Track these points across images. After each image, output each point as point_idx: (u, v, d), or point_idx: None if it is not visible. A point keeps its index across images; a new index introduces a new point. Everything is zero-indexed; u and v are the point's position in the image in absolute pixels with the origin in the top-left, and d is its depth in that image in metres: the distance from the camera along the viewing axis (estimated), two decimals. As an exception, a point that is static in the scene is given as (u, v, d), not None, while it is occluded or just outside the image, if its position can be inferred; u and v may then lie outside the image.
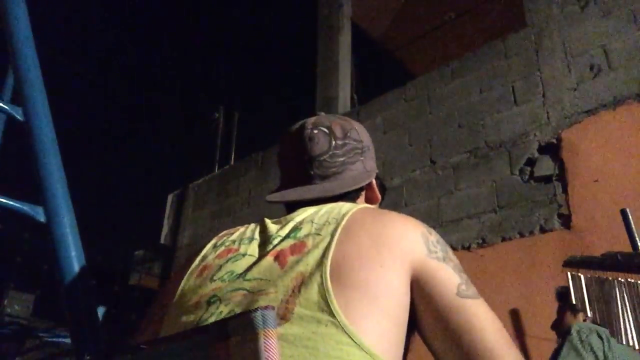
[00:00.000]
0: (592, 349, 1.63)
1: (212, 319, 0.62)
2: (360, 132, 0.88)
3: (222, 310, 0.63)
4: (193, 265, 0.75)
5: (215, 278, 0.69)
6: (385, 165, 3.88)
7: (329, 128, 0.84)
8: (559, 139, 3.04)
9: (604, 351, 1.63)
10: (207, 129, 6.77)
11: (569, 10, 3.30)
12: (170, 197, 6.36)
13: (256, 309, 0.44)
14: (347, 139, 0.85)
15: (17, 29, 1.32)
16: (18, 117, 1.25)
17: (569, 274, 2.02)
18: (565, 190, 2.91)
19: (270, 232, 0.73)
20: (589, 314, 1.95)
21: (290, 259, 0.65)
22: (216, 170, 6.00)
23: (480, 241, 3.16)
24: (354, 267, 0.61)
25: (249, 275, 0.66)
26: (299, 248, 0.66)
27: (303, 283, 0.60)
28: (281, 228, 0.73)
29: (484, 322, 0.61)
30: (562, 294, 2.16)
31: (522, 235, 3.00)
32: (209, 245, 0.79)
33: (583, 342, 1.66)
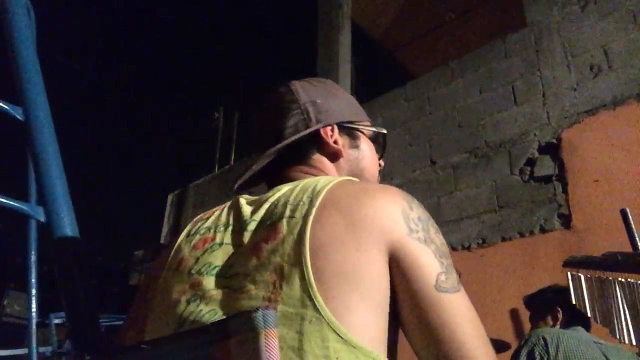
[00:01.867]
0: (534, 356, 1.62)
1: (192, 317, 0.61)
2: (297, 91, 0.83)
3: (202, 309, 0.61)
4: (169, 259, 0.73)
5: (193, 272, 0.66)
6: (385, 165, 3.88)
7: (267, 102, 0.85)
8: (559, 139, 3.04)
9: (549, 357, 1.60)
10: (207, 129, 6.77)
11: (569, 10, 3.30)
12: (170, 197, 6.36)
13: (257, 309, 0.44)
14: (282, 104, 0.82)
15: (17, 29, 1.32)
16: (18, 117, 1.25)
17: (569, 274, 2.01)
18: (565, 190, 2.92)
19: (245, 215, 0.69)
20: (589, 313, 1.95)
21: (266, 247, 0.61)
22: (216, 170, 6.00)
23: (480, 241, 3.16)
24: (330, 253, 0.58)
25: (228, 271, 0.63)
26: (273, 235, 0.62)
27: (283, 277, 0.57)
28: (255, 211, 0.69)
29: (458, 318, 0.58)
30: (528, 303, 2.15)
31: (522, 235, 3.00)
32: (183, 235, 0.75)
33: (527, 351, 1.66)
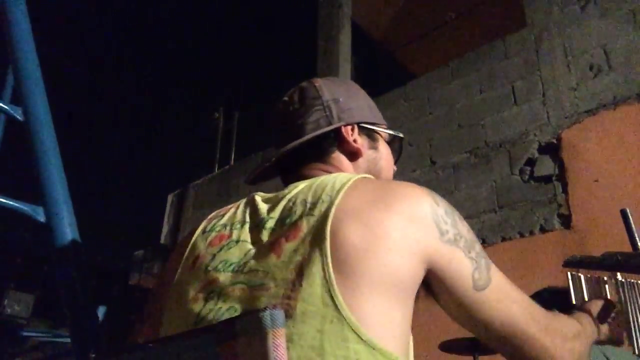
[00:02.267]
0: None
1: (211, 315, 0.61)
2: (320, 88, 0.84)
3: (220, 307, 0.61)
4: (185, 256, 0.72)
5: (209, 269, 0.66)
6: (385, 165, 3.88)
7: (289, 96, 0.85)
8: (559, 139, 3.04)
9: None
10: (207, 129, 6.77)
11: (569, 10, 3.30)
12: (170, 197, 6.36)
13: (265, 308, 0.44)
14: (305, 100, 0.83)
15: (17, 30, 1.32)
16: (18, 117, 1.25)
17: (569, 274, 2.01)
18: (565, 190, 2.91)
19: (262, 213, 0.69)
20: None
21: (286, 246, 0.61)
22: (216, 170, 6.00)
23: (480, 241, 3.16)
24: (359, 255, 0.57)
25: (246, 267, 0.63)
26: (293, 233, 0.62)
27: (304, 275, 0.57)
28: (272, 208, 0.69)
29: (508, 308, 0.63)
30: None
31: (522, 235, 3.00)
32: (199, 231, 0.75)
33: None
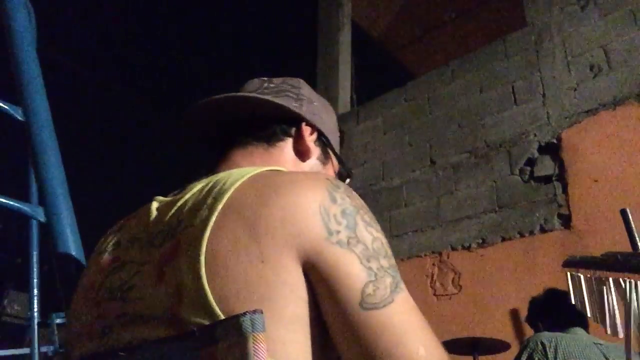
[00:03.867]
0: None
1: (103, 350, 0.55)
2: (302, 84, 0.80)
3: (106, 342, 0.55)
4: (80, 284, 0.66)
5: (98, 299, 0.59)
6: (385, 165, 3.88)
7: (269, 78, 0.81)
8: (559, 139, 3.04)
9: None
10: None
11: (569, 10, 3.30)
12: (170, 197, 6.36)
13: (244, 313, 0.44)
14: (283, 84, 0.79)
15: (17, 30, 1.32)
16: (18, 117, 1.25)
17: (568, 274, 2.01)
18: (565, 190, 2.92)
19: (152, 226, 0.60)
20: (589, 314, 1.94)
21: (167, 268, 0.52)
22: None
23: (480, 241, 3.16)
24: (231, 267, 0.48)
25: (129, 294, 0.55)
26: (173, 248, 0.53)
27: (181, 302, 0.49)
28: (162, 220, 0.59)
29: (393, 340, 0.49)
30: (528, 308, 2.15)
31: (522, 235, 3.00)
32: (95, 254, 0.68)
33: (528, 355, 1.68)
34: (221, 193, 0.54)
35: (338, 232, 0.51)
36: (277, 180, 0.56)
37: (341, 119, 4.51)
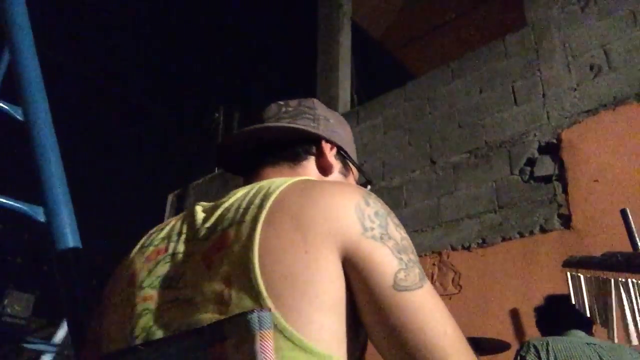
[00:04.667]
0: None
1: (143, 335, 0.59)
2: (317, 104, 0.87)
3: (151, 325, 0.59)
4: (122, 274, 0.71)
5: (144, 285, 0.64)
6: (385, 165, 3.88)
7: (285, 101, 0.87)
8: (559, 139, 3.04)
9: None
10: (207, 129, 6.77)
11: (569, 10, 3.30)
12: (170, 197, 6.36)
13: (252, 310, 0.44)
14: (299, 107, 0.85)
15: (17, 30, 1.32)
16: (18, 117, 1.25)
17: (568, 274, 2.01)
18: (565, 190, 2.91)
19: (198, 223, 0.67)
20: (589, 314, 1.94)
21: (216, 257, 0.59)
22: (216, 170, 6.00)
23: (480, 241, 3.16)
24: (279, 256, 0.55)
25: (179, 282, 0.61)
26: (223, 241, 0.59)
27: (231, 286, 0.54)
28: (208, 218, 0.66)
29: (422, 316, 0.55)
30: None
31: (522, 235, 3.00)
32: (137, 247, 0.73)
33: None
34: (268, 195, 0.61)
35: (372, 228, 0.59)
36: (317, 185, 0.65)
37: (341, 119, 4.51)
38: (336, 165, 0.83)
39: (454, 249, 3.24)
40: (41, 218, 1.15)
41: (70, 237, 1.15)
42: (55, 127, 1.27)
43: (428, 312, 0.56)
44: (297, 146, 0.81)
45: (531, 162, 3.13)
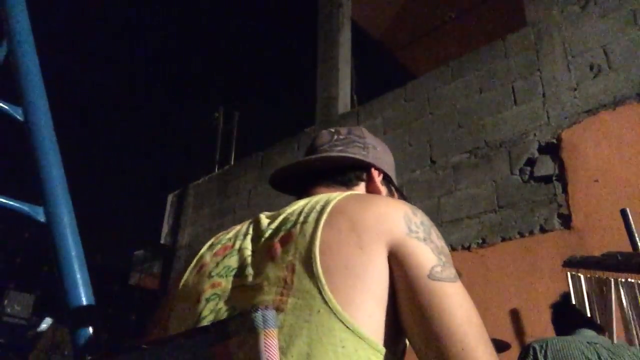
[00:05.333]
0: None
1: (211, 316, 0.66)
2: (365, 133, 0.95)
3: (221, 307, 0.66)
4: (191, 265, 0.79)
5: (212, 274, 0.72)
6: (385, 165, 3.88)
7: (336, 129, 0.95)
8: (559, 139, 3.04)
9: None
10: (207, 129, 6.77)
11: (569, 10, 3.30)
12: (170, 197, 6.36)
13: (256, 309, 0.44)
14: (350, 135, 0.94)
15: (17, 30, 1.32)
16: (18, 117, 1.25)
17: (568, 274, 2.01)
18: (565, 190, 2.91)
19: (263, 226, 0.76)
20: (589, 313, 1.95)
21: (281, 249, 0.67)
22: (216, 170, 6.00)
23: (480, 241, 3.16)
24: (337, 251, 0.63)
25: (245, 271, 0.69)
26: (287, 238, 0.68)
27: (294, 272, 0.62)
28: (272, 221, 0.75)
29: (451, 305, 0.60)
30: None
31: (522, 235, 3.00)
32: (206, 246, 0.82)
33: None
34: (328, 202, 0.70)
35: (417, 231, 0.66)
36: (370, 196, 0.77)
37: (341, 119, 4.51)
38: (383, 190, 0.92)
39: (454, 249, 3.24)
40: (41, 218, 1.15)
41: (70, 237, 1.15)
42: (55, 127, 1.27)
43: (456, 301, 0.61)
44: (349, 172, 0.89)
45: (531, 162, 3.13)
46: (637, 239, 2.08)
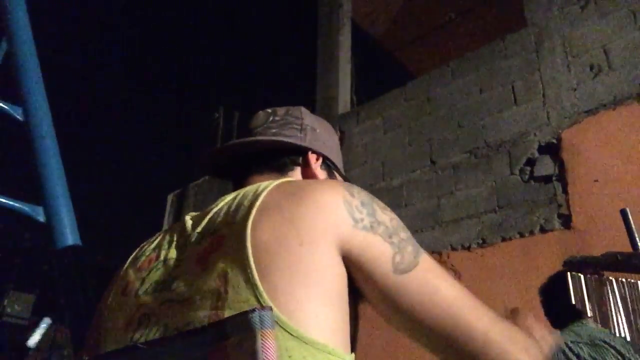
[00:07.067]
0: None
1: (142, 339, 0.60)
2: (304, 114, 0.89)
3: (152, 329, 0.60)
4: (116, 285, 0.73)
5: (139, 293, 0.66)
6: (385, 165, 3.88)
7: (273, 109, 0.89)
8: (559, 139, 3.04)
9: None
10: (207, 129, 6.77)
11: (569, 10, 3.30)
12: (170, 197, 6.36)
13: (254, 309, 0.44)
14: (287, 116, 0.87)
15: (17, 30, 1.32)
16: (18, 117, 1.25)
17: (568, 274, 2.01)
18: (565, 190, 2.91)
19: (188, 230, 0.69)
20: (589, 314, 1.95)
21: (211, 257, 0.60)
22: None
23: (480, 241, 3.16)
24: (274, 250, 0.57)
25: (173, 284, 0.62)
26: (217, 242, 0.62)
27: (228, 281, 0.56)
28: (198, 224, 0.68)
29: (435, 294, 0.59)
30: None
31: (522, 235, 3.00)
32: (130, 259, 0.75)
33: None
34: (256, 196, 0.64)
35: (362, 219, 0.62)
36: (303, 183, 0.68)
37: (341, 119, 4.51)
38: (321, 175, 0.85)
39: (454, 249, 3.24)
40: (41, 218, 1.15)
41: (70, 237, 1.15)
42: (55, 126, 1.27)
43: (431, 284, 0.59)
44: (283, 157, 0.83)
45: (531, 162, 3.13)
46: (637, 239, 2.08)
